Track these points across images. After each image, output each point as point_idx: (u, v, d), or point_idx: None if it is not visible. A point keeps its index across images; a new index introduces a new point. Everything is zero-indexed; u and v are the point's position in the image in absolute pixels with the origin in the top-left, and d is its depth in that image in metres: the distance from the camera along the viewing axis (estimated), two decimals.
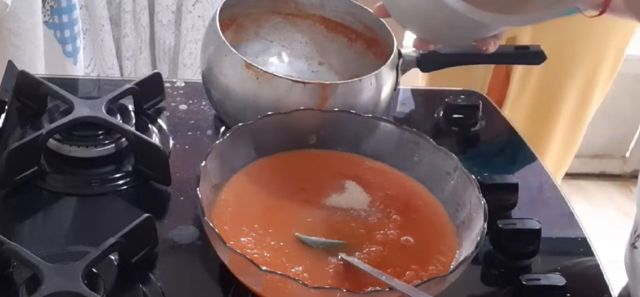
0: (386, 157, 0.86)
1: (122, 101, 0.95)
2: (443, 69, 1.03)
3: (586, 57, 1.35)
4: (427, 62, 1.01)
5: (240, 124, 0.83)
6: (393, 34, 0.97)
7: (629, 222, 0.91)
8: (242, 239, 0.75)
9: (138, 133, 0.88)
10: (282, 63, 1.06)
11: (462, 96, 1.08)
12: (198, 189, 0.73)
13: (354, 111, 0.87)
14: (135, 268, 0.75)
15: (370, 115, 0.87)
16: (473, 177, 0.78)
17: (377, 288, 0.69)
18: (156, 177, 0.87)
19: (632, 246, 0.85)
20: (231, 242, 0.72)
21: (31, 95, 0.95)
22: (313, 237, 0.76)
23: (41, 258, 0.71)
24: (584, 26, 1.29)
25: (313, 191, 0.82)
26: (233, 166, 0.82)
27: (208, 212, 0.74)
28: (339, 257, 0.74)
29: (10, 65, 1.01)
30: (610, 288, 0.82)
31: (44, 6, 1.40)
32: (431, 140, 0.84)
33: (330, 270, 0.73)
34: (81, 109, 0.90)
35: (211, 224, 0.70)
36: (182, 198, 0.86)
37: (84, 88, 1.07)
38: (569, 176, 1.71)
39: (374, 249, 0.76)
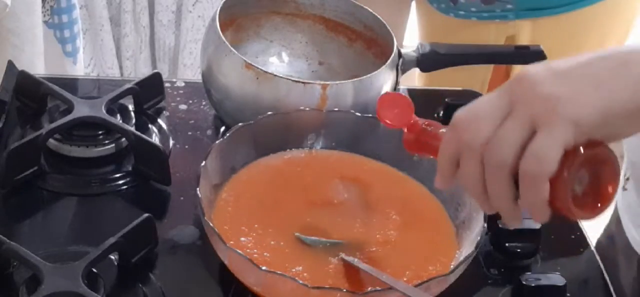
0: (386, 157, 0.86)
1: (122, 101, 0.95)
2: (443, 69, 1.03)
3: None
4: (427, 62, 1.01)
5: (240, 124, 0.83)
6: (393, 34, 0.97)
7: None
8: (242, 239, 0.75)
9: (138, 133, 0.88)
10: (282, 63, 1.06)
11: (462, 96, 1.08)
12: (198, 189, 0.73)
13: (354, 111, 0.87)
14: (135, 268, 0.75)
15: (370, 115, 0.87)
16: None
17: (377, 288, 0.69)
18: (156, 177, 0.87)
19: (623, 188, 0.94)
20: (231, 242, 0.72)
21: (31, 95, 0.95)
22: (313, 237, 0.76)
23: (41, 258, 0.71)
24: (583, 25, 1.29)
25: (313, 191, 0.82)
26: (233, 166, 0.82)
27: (208, 212, 0.74)
28: (339, 257, 0.74)
29: (10, 65, 1.01)
30: (610, 288, 0.82)
31: (43, 6, 1.40)
32: None
33: (330, 270, 0.73)
34: (81, 109, 0.89)
35: (211, 224, 0.70)
36: (182, 198, 0.86)
37: (84, 88, 1.07)
38: None
39: (374, 249, 0.76)
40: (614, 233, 0.99)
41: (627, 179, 0.95)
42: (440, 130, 0.67)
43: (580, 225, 0.89)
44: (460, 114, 0.62)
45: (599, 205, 0.59)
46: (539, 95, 0.57)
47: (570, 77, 0.57)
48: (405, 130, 0.70)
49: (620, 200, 0.98)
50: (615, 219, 0.99)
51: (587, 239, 0.88)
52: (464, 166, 0.61)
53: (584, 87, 0.57)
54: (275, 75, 0.88)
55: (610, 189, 0.59)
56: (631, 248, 0.94)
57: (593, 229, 0.94)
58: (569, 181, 0.57)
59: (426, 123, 0.69)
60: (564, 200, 0.57)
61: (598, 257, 0.85)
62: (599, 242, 0.87)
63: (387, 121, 0.72)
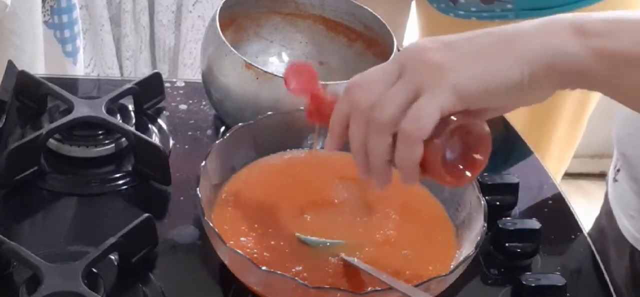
0: None
1: (122, 101, 0.95)
2: None
3: None
4: None
5: (240, 124, 0.83)
6: (393, 34, 0.97)
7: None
8: (242, 239, 0.75)
9: (138, 133, 0.88)
10: (282, 63, 1.06)
11: None
12: (198, 189, 0.73)
13: None
14: (135, 268, 0.75)
15: None
16: None
17: (377, 288, 0.69)
18: (156, 177, 0.87)
19: (614, 180, 0.98)
20: (231, 242, 0.72)
21: (31, 95, 0.95)
22: (313, 237, 0.76)
23: (41, 258, 0.71)
24: None
25: (313, 191, 0.82)
26: (233, 166, 0.82)
27: (208, 212, 0.74)
28: (339, 257, 0.74)
29: (10, 65, 1.01)
30: (610, 288, 0.82)
31: (43, 6, 1.40)
32: None
33: (330, 270, 0.73)
34: (81, 109, 0.89)
35: (211, 224, 0.70)
36: (182, 198, 0.86)
37: (84, 88, 1.07)
38: (569, 175, 1.71)
39: (374, 249, 0.76)
40: (605, 225, 1.00)
41: (618, 170, 0.96)
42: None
43: (581, 225, 0.89)
44: (354, 78, 0.66)
45: (467, 173, 0.64)
46: (426, 62, 0.61)
47: (456, 48, 0.61)
48: (308, 100, 0.73)
49: (611, 191, 0.99)
50: (605, 212, 1.00)
51: (588, 239, 0.88)
52: (352, 124, 0.65)
53: (468, 58, 0.61)
54: (275, 75, 0.88)
55: (478, 159, 0.64)
56: (623, 238, 0.95)
57: (586, 226, 0.94)
58: (441, 145, 0.61)
59: (326, 95, 0.73)
60: (435, 163, 0.61)
61: (598, 258, 0.85)
62: (589, 236, 0.88)
63: (292, 88, 0.74)
